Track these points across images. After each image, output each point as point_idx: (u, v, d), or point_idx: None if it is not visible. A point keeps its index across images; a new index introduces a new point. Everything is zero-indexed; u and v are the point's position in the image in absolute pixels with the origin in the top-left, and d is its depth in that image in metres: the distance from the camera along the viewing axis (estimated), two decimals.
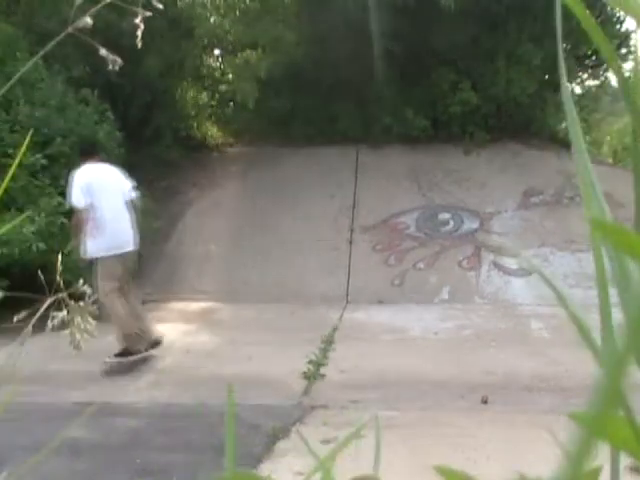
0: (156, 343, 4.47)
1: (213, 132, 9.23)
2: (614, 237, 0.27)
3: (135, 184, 4.57)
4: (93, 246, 4.21)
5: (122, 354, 4.25)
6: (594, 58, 8.89)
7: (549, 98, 8.13)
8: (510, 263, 6.38)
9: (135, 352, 4.26)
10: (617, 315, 0.31)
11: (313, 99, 8.37)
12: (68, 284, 0.87)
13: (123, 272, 4.32)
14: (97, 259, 4.24)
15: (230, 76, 8.30)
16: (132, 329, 4.26)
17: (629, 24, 9.21)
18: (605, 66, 8.71)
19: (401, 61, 7.85)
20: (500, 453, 2.79)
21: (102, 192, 4.28)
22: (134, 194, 4.52)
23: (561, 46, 0.40)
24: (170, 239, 7.08)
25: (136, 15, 0.75)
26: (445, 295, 6.21)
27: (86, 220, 4.22)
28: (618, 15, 8.24)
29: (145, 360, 4.36)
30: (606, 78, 9.41)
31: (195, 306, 6.10)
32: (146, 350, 4.35)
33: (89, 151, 4.58)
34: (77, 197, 4.22)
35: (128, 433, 3.13)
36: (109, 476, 2.69)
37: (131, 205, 4.44)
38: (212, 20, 8.24)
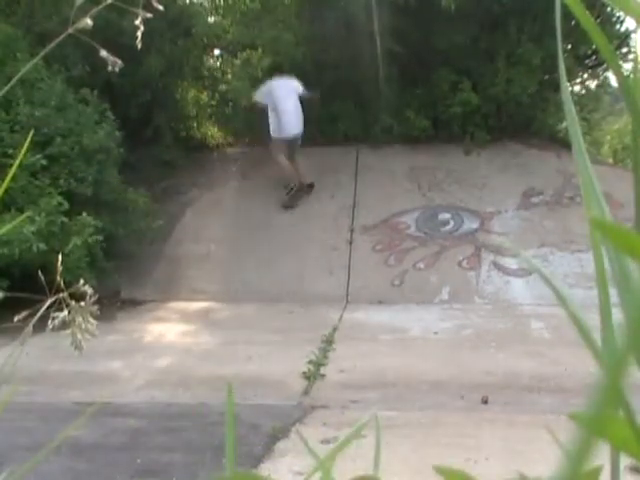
0: (310, 186, 7.37)
1: (213, 132, 9.22)
2: (614, 237, 0.27)
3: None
4: (273, 131, 7.08)
5: (290, 190, 7.22)
6: (594, 58, 8.87)
7: (549, 98, 8.12)
8: (510, 263, 6.37)
9: (294, 187, 7.22)
10: (617, 315, 0.31)
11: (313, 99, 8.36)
12: (68, 284, 0.87)
13: (291, 144, 7.12)
14: (275, 138, 7.07)
15: (229, 76, 8.29)
16: (292, 174, 7.24)
17: (629, 24, 9.19)
18: (605, 66, 8.69)
19: (401, 61, 7.84)
20: (500, 453, 2.79)
21: (279, 96, 6.95)
22: (302, 90, 7.09)
23: (561, 46, 0.40)
24: (169, 239, 7.08)
25: (136, 15, 0.75)
26: (445, 295, 6.20)
27: (259, 109, 7.18)
28: (618, 15, 8.23)
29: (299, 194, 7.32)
30: (606, 78, 9.38)
31: (194, 306, 6.10)
32: (301, 188, 7.29)
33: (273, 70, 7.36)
34: (259, 96, 7.14)
35: (128, 433, 3.13)
36: (109, 476, 2.69)
37: (303, 97, 7.08)
38: (212, 19, 8.23)
